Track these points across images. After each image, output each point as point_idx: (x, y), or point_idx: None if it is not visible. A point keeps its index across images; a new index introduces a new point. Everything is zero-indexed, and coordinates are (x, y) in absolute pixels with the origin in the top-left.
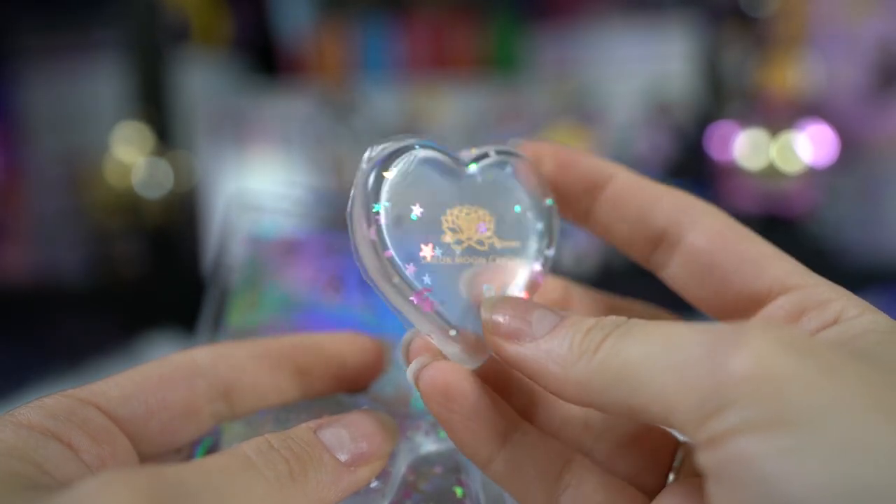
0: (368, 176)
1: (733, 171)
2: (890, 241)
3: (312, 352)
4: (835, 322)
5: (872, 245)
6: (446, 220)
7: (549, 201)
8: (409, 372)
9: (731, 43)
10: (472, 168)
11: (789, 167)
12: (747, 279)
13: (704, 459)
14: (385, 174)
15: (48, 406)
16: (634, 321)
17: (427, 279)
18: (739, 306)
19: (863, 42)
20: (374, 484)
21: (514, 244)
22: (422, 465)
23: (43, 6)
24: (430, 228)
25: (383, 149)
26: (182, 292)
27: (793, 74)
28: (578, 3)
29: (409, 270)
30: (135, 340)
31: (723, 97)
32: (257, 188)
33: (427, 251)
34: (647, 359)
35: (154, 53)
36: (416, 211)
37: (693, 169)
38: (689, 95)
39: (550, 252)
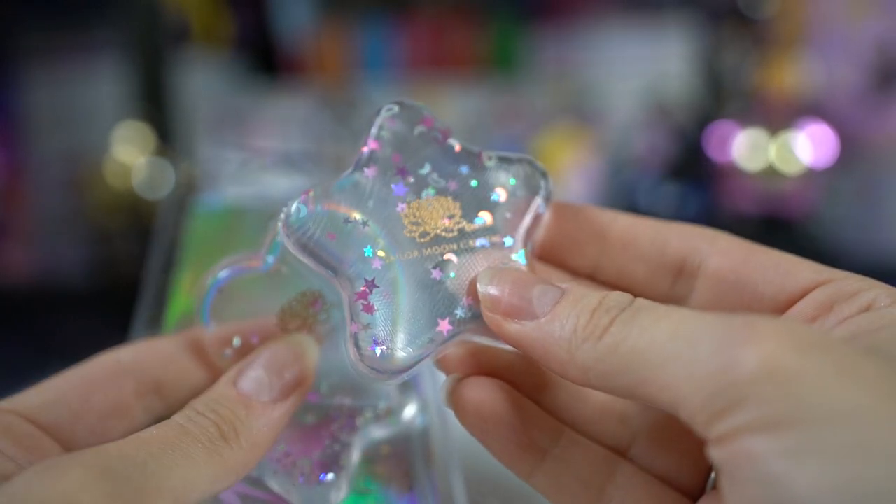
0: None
1: (733, 171)
2: (890, 241)
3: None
4: (867, 310)
5: (872, 245)
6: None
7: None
8: (442, 390)
9: (730, 43)
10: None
11: (789, 167)
12: (778, 286)
13: (715, 455)
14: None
15: None
16: (641, 303)
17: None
18: (776, 314)
19: (861, 43)
20: (328, 477)
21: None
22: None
23: (44, 6)
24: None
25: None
26: None
27: (792, 75)
28: (578, 4)
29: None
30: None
31: (722, 97)
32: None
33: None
34: (656, 347)
35: (155, 54)
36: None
37: (692, 169)
38: (688, 95)
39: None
